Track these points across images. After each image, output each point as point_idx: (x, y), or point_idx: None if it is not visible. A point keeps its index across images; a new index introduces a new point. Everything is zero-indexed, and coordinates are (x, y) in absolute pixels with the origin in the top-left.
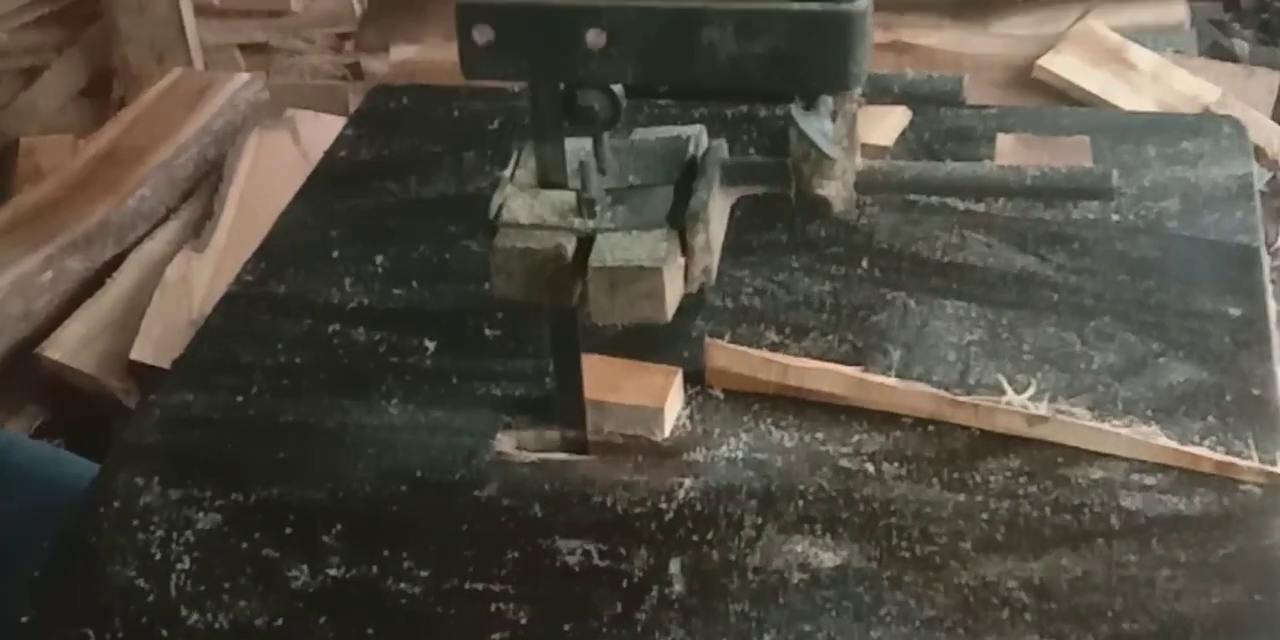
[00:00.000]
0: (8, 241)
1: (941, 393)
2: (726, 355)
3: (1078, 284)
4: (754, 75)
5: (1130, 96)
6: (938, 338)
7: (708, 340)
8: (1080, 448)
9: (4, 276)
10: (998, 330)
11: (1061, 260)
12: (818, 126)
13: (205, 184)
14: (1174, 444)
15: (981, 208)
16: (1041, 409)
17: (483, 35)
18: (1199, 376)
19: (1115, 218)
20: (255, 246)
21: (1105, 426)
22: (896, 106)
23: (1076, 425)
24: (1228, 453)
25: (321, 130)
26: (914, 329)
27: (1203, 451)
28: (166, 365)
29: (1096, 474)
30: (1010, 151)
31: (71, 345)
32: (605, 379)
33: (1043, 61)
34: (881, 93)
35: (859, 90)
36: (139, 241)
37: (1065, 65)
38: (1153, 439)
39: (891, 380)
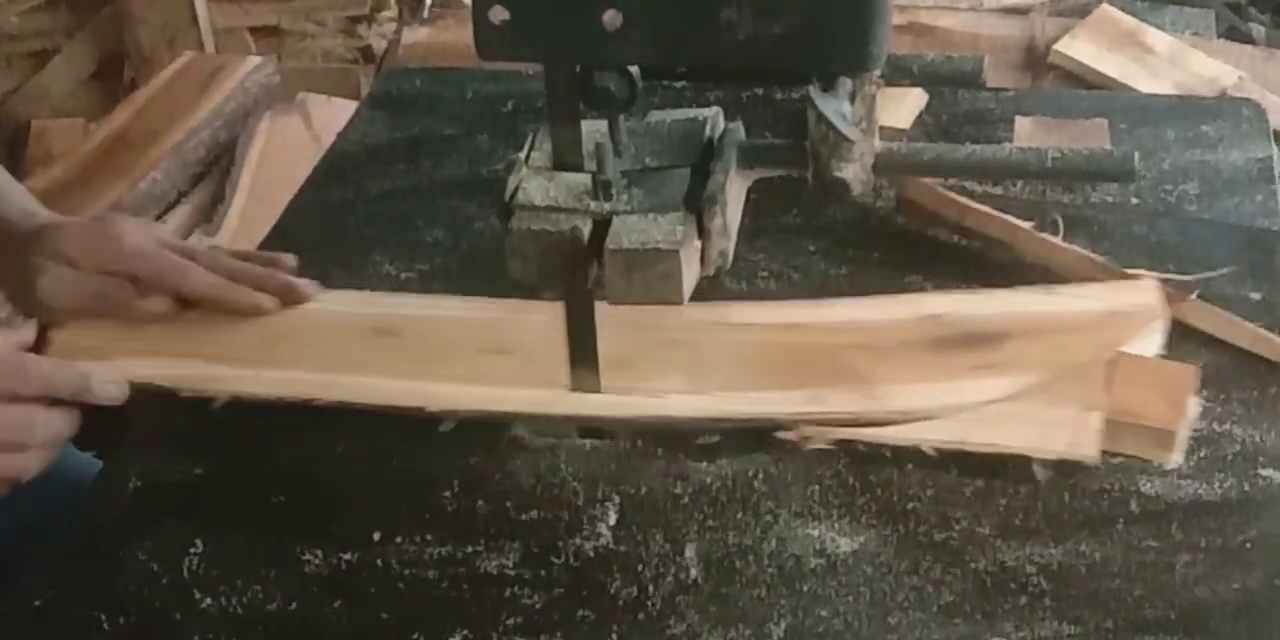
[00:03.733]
0: None
1: (1102, 259)
2: (917, 188)
3: None
4: (772, 56)
5: (1148, 80)
6: None
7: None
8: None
9: None
10: None
11: (1081, 244)
12: (836, 108)
13: (217, 167)
14: None
15: (999, 191)
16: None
17: (498, 16)
18: (1220, 360)
19: (1135, 201)
20: (267, 230)
21: (1236, 318)
22: (913, 89)
23: (1210, 310)
24: (1250, 436)
25: (333, 114)
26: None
27: None
28: None
29: (1115, 459)
30: (1028, 134)
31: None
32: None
33: (1059, 46)
34: (900, 74)
35: (878, 72)
36: None
37: (1082, 50)
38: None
39: (1058, 240)
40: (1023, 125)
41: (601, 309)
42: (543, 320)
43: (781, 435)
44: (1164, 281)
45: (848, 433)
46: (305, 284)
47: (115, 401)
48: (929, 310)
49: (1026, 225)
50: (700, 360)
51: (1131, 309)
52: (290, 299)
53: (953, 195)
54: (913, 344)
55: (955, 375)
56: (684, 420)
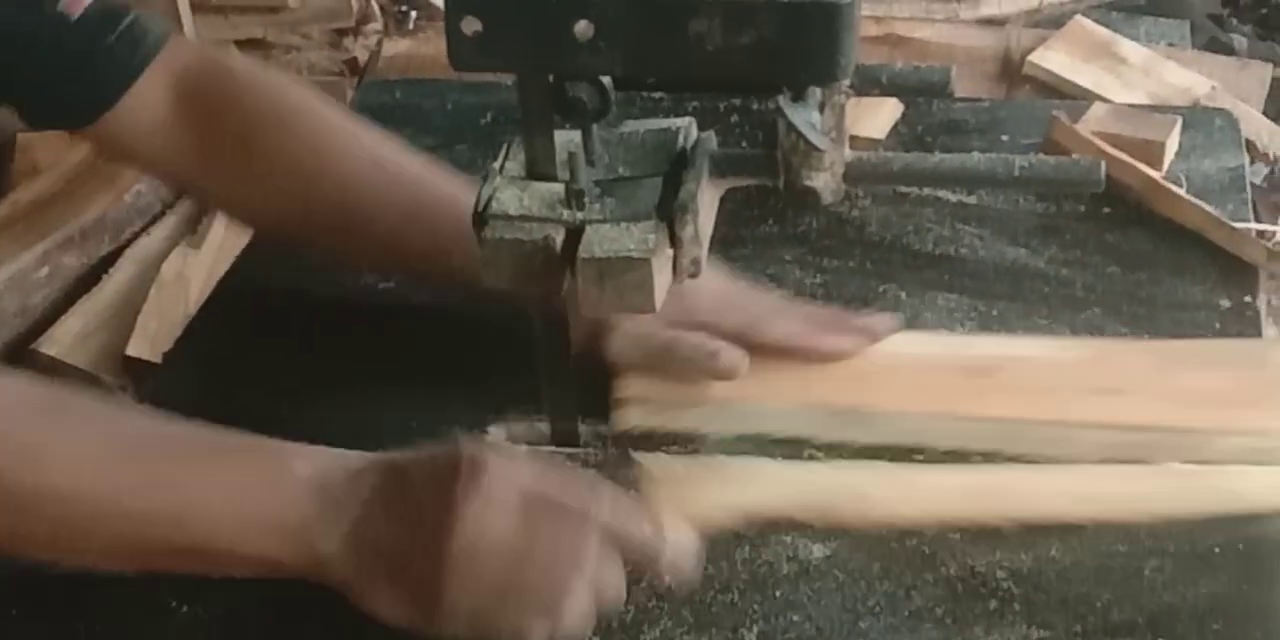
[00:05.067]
0: (4, 238)
1: (1217, 213)
2: (1062, 131)
3: (1069, 276)
4: (742, 67)
5: (1121, 90)
6: (929, 330)
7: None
8: None
9: (0, 272)
10: (989, 322)
11: (1053, 252)
12: (806, 118)
13: None
14: None
15: (973, 200)
16: None
17: (471, 27)
18: None
19: (1106, 210)
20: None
21: None
22: (888, 99)
23: None
24: None
25: None
26: (905, 321)
27: None
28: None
29: None
30: (1098, 120)
31: (67, 341)
32: None
33: (1034, 57)
34: (870, 84)
35: (847, 82)
36: (135, 237)
37: (1056, 61)
38: None
39: (1182, 192)
40: (1097, 110)
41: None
42: (1142, 360)
43: None
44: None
45: None
46: (884, 322)
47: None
48: None
49: (1157, 175)
50: None
51: None
52: (871, 339)
53: (1096, 140)
54: None
55: None
56: None
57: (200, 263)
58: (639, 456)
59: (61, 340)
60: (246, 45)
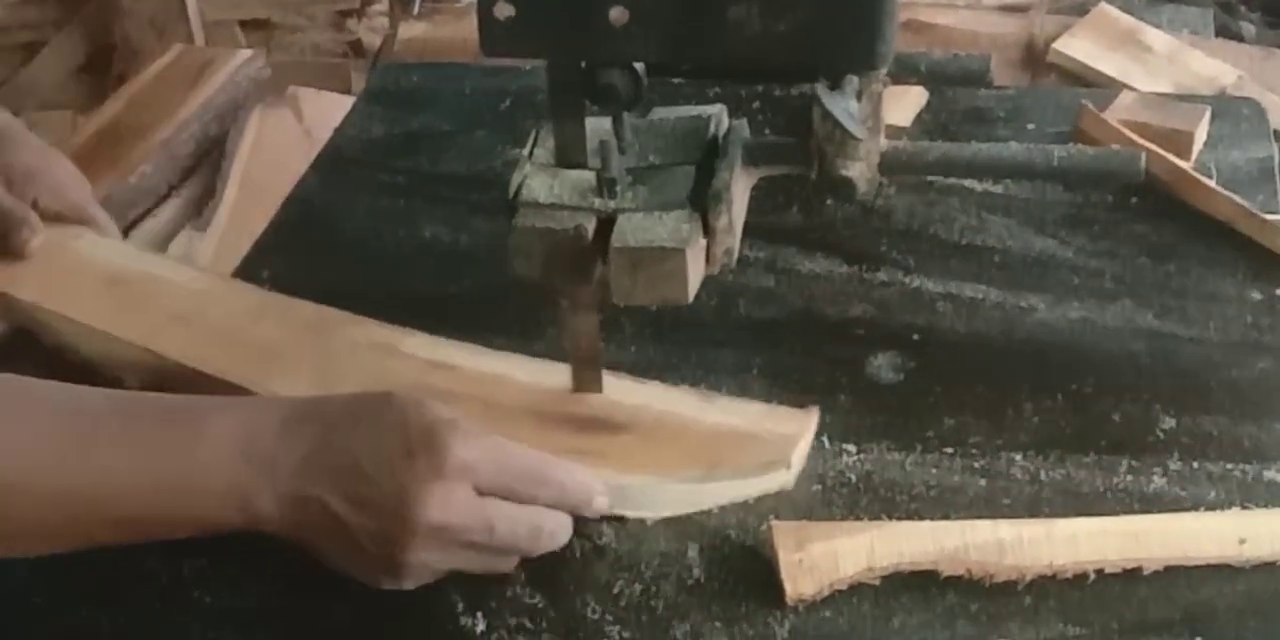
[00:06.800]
0: None
1: (1248, 205)
2: (1091, 120)
3: (1098, 267)
4: (780, 54)
5: (1146, 79)
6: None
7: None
8: None
9: None
10: (1018, 314)
11: (1081, 243)
12: (843, 106)
13: (207, 161)
14: None
15: (1000, 189)
16: None
17: (503, 11)
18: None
19: (1135, 200)
20: (257, 225)
21: None
22: (914, 87)
23: None
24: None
25: (324, 108)
26: None
27: None
28: None
29: (1121, 460)
30: (1126, 109)
31: None
32: None
33: (1058, 44)
34: (907, 72)
35: (885, 70)
36: (140, 219)
37: (1081, 48)
38: None
39: (1213, 184)
40: (1125, 98)
41: None
42: None
43: None
44: None
45: None
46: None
47: (595, 515)
48: None
49: (1186, 165)
50: None
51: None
52: None
53: (1125, 131)
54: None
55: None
56: None
57: (206, 245)
58: (774, 523)
59: None
60: (250, 26)
